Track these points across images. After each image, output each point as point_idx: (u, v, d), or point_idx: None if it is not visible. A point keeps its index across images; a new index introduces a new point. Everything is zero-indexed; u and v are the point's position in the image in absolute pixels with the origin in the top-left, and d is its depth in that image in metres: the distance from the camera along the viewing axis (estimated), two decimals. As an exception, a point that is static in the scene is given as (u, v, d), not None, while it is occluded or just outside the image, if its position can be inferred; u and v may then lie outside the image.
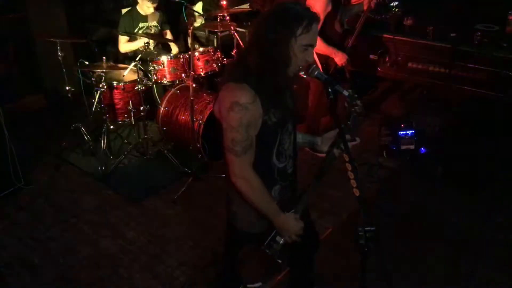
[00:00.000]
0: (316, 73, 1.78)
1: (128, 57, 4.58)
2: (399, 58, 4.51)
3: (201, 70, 4.14)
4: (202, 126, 3.87)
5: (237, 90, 1.70)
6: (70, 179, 4.05)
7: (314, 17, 1.72)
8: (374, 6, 3.89)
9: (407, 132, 4.11)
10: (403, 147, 4.12)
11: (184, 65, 4.14)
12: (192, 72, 3.75)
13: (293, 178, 2.01)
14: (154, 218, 3.55)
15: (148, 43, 4.06)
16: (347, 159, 1.74)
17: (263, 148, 1.81)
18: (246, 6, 5.56)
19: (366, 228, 1.62)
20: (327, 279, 2.88)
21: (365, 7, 3.87)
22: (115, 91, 4.12)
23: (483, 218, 3.43)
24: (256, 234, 1.94)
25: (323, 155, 1.97)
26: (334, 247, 3.08)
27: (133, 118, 4.15)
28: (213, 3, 5.42)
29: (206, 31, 5.36)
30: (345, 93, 1.78)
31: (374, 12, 4.55)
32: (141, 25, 4.52)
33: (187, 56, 4.12)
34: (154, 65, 4.07)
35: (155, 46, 4.62)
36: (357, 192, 1.69)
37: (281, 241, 1.94)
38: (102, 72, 3.97)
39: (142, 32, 4.46)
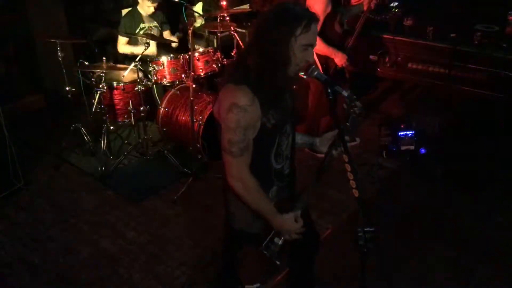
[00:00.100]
0: (315, 73, 1.79)
1: (128, 58, 4.58)
2: (399, 58, 4.51)
3: (201, 70, 4.14)
4: (202, 126, 3.87)
5: (237, 91, 1.71)
6: (70, 179, 4.05)
7: (313, 17, 1.73)
8: (374, 6, 3.89)
9: (407, 132, 4.11)
10: (403, 148, 4.12)
11: (184, 65, 4.13)
12: (192, 73, 3.75)
13: (290, 179, 2.01)
14: (154, 218, 3.55)
15: (148, 43, 4.06)
16: (346, 160, 1.74)
17: (261, 150, 1.82)
18: (246, 6, 5.56)
19: (365, 229, 1.62)
20: (327, 279, 2.88)
21: (365, 8, 3.88)
22: (115, 91, 4.12)
23: (483, 218, 3.43)
24: (254, 234, 1.94)
25: (322, 155, 1.97)
26: (334, 247, 3.08)
27: (133, 118, 4.15)
28: (213, 3, 5.42)
29: (206, 31, 5.37)
30: (345, 93, 1.79)
31: (374, 12, 4.55)
32: (141, 25, 4.52)
33: (187, 57, 4.12)
34: (154, 65, 4.07)
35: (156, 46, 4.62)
36: (356, 193, 1.70)
37: (279, 242, 1.93)
38: (102, 72, 3.97)
39: (143, 33, 4.46)
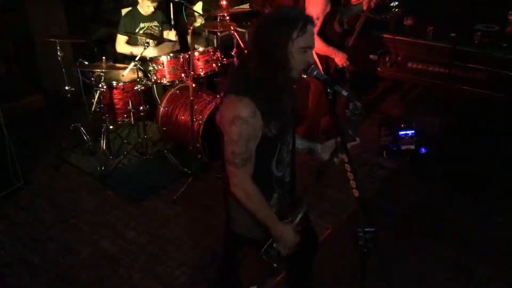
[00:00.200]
0: (315, 73, 1.79)
1: (128, 57, 4.58)
2: (399, 58, 4.51)
3: (200, 70, 4.14)
4: (201, 126, 3.87)
5: (238, 103, 1.72)
6: (70, 179, 4.05)
7: (308, 19, 1.74)
8: (374, 6, 3.89)
9: (407, 132, 4.10)
10: (403, 147, 4.12)
11: (184, 65, 4.13)
12: (191, 72, 3.75)
13: (291, 185, 2.03)
14: (154, 218, 3.55)
15: (148, 43, 4.06)
16: (346, 160, 1.74)
17: (262, 158, 1.84)
18: (246, 6, 5.56)
19: (365, 229, 1.62)
20: (327, 279, 2.87)
21: (365, 7, 3.87)
22: (115, 91, 4.11)
23: (483, 218, 3.43)
24: (254, 239, 1.95)
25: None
26: (334, 247, 3.08)
27: (133, 118, 4.14)
28: (213, 3, 5.42)
29: (206, 31, 5.36)
30: (345, 93, 1.79)
31: (374, 12, 4.55)
32: (141, 25, 4.51)
33: (187, 56, 4.11)
34: (154, 65, 4.07)
35: (155, 46, 4.62)
36: (356, 193, 1.70)
37: (279, 248, 1.94)
38: (102, 72, 3.96)
39: (143, 32, 4.46)
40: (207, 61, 4.16)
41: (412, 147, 4.11)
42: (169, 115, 4.15)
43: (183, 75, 4.12)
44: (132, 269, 3.07)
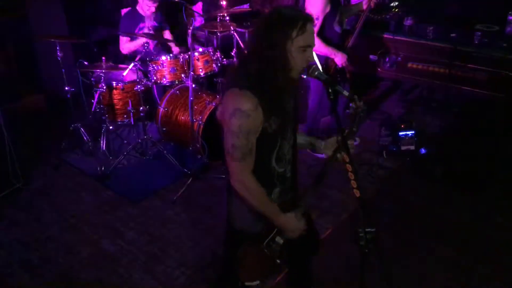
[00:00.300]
0: (316, 73, 1.79)
1: (128, 57, 4.58)
2: (399, 58, 4.51)
3: (200, 70, 4.14)
4: (201, 126, 3.87)
5: (241, 96, 1.72)
6: (70, 179, 4.04)
7: (307, 18, 1.74)
8: (374, 6, 3.89)
9: (407, 132, 4.11)
10: (403, 148, 4.12)
11: (184, 65, 4.13)
12: (191, 73, 3.75)
13: (292, 181, 2.02)
14: (154, 219, 3.55)
15: (147, 43, 4.06)
16: (347, 160, 1.74)
17: (262, 154, 1.84)
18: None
19: (366, 229, 1.62)
20: (327, 279, 2.87)
21: (364, 7, 3.87)
22: (114, 91, 4.11)
23: (483, 218, 3.43)
24: (255, 234, 1.95)
25: (322, 155, 1.98)
26: (334, 247, 3.08)
27: (133, 118, 4.14)
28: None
29: (206, 31, 5.36)
30: (345, 93, 1.79)
31: (374, 12, 4.55)
32: (141, 25, 4.51)
33: (187, 57, 4.11)
34: (154, 65, 4.07)
35: (155, 46, 4.62)
36: (357, 193, 1.70)
37: (281, 242, 1.95)
38: (102, 72, 3.97)
39: (142, 32, 4.46)
40: (207, 62, 4.16)
41: (412, 147, 4.11)
42: (169, 116, 4.15)
43: (183, 75, 4.12)
44: (132, 269, 3.07)
